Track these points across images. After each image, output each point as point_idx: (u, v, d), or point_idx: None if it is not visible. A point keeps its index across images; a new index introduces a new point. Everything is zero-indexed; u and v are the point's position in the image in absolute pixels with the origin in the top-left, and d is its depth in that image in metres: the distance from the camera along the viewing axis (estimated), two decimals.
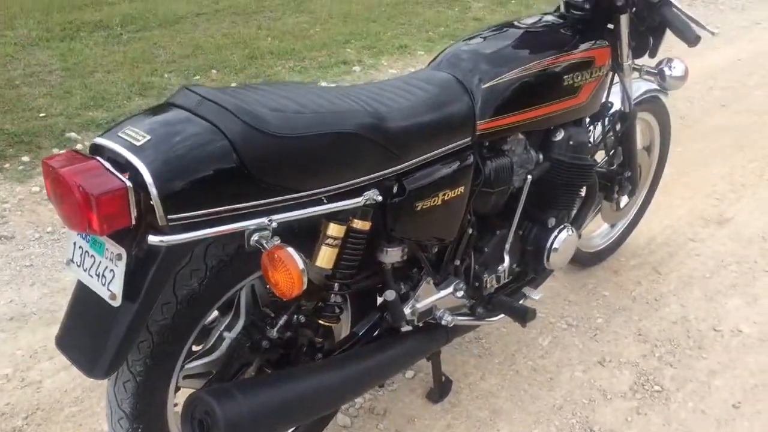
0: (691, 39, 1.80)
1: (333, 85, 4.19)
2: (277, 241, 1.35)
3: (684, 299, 2.59)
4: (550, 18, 2.08)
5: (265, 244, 1.34)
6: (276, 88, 1.49)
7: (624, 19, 2.08)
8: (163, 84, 4.07)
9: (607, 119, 2.35)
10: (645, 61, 2.26)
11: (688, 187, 3.40)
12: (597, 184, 2.23)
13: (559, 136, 1.99)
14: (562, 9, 2.13)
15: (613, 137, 2.40)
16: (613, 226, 2.79)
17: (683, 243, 2.95)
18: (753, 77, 4.84)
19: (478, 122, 1.75)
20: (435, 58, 1.92)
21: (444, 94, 1.72)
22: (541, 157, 2.00)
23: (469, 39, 1.95)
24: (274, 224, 1.35)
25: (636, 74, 2.25)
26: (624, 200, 2.58)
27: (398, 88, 1.70)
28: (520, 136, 1.94)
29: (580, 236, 2.60)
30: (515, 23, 2.02)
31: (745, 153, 3.76)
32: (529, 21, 2.05)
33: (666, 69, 2.17)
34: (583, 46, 1.97)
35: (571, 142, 1.99)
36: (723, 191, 3.37)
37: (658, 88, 2.51)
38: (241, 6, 5.77)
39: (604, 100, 2.30)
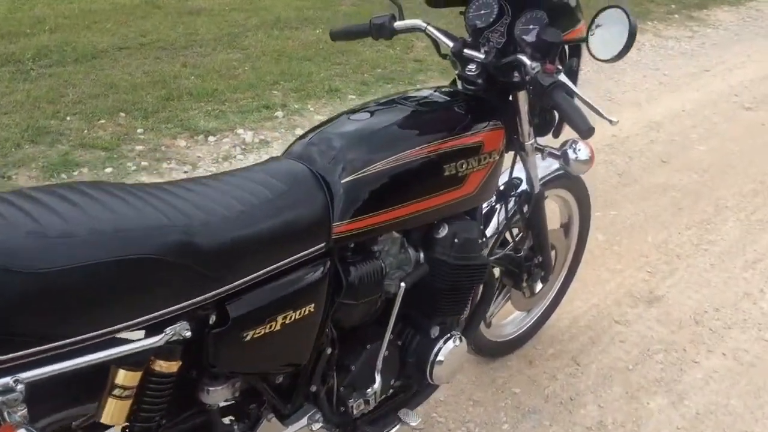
0: (583, 130, 1.54)
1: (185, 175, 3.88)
2: (23, 410, 1.04)
3: (602, 398, 2.32)
4: (442, 93, 1.81)
5: (6, 416, 1.03)
6: (52, 195, 1.18)
7: (522, 96, 1.83)
8: (61, 129, 3.73)
9: (512, 201, 2.10)
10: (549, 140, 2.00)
11: (620, 257, 3.15)
12: (493, 281, 1.96)
13: (443, 232, 1.71)
14: (458, 84, 1.87)
15: (519, 220, 2.14)
16: (528, 311, 2.52)
17: (608, 326, 2.69)
18: (696, 130, 4.65)
19: (335, 224, 1.46)
20: (293, 144, 1.63)
21: (292, 192, 1.44)
22: (421, 256, 1.72)
23: (338, 120, 1.67)
24: (21, 386, 1.04)
25: (538, 155, 1.99)
26: (538, 286, 2.31)
27: (234, 185, 1.40)
28: (395, 234, 1.66)
29: (490, 323, 2.34)
30: (401, 99, 1.75)
31: (683, 217, 3.54)
32: (419, 95, 1.79)
33: (570, 152, 1.91)
34: (472, 130, 1.70)
35: (456, 240, 1.71)
36: (656, 263, 3.13)
37: None
38: (170, 40, 5.46)
39: (508, 178, 2.06)
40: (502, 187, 2.07)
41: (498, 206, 2.10)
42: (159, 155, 3.54)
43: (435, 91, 1.82)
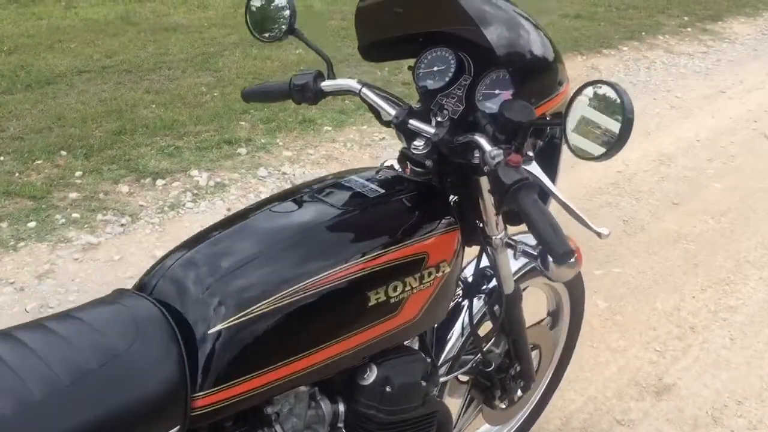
0: (557, 253, 1.08)
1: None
2: None
3: None
4: (379, 181, 1.36)
5: None
6: None
7: (485, 181, 1.37)
8: None
9: (481, 298, 1.64)
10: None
11: (623, 330, 2.68)
12: (449, 425, 1.49)
13: (370, 377, 1.25)
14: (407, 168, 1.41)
15: (491, 322, 1.68)
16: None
17: (608, 429, 2.22)
18: (712, 164, 4.17)
19: (196, 396, 1.02)
20: (154, 266, 1.18)
21: (129, 354, 0.99)
22: (341, 409, 1.26)
23: (220, 229, 1.22)
24: None
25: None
26: (516, 396, 1.85)
27: (38, 350, 0.96)
28: (302, 387, 1.21)
29: None
30: (321, 190, 1.31)
31: (698, 276, 3.06)
32: (348, 184, 1.34)
33: None
34: (413, 237, 1.26)
35: (388, 388, 1.25)
36: (666, 338, 2.66)
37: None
38: (137, 62, 5.02)
39: (475, 269, 1.60)
40: (470, 279, 1.62)
41: (463, 304, 1.64)
42: (95, 204, 3.10)
43: (370, 177, 1.36)
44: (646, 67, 5.81)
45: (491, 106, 1.31)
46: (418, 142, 1.33)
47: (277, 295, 1.09)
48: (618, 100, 1.04)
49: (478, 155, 1.28)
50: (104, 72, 4.81)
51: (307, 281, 1.12)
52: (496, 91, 1.32)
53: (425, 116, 1.36)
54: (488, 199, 1.40)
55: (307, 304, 1.12)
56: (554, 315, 2.03)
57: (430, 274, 1.27)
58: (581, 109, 1.07)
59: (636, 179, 3.88)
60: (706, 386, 2.42)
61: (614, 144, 1.05)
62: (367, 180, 1.34)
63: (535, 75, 1.27)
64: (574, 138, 1.09)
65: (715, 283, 3.01)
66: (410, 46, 1.46)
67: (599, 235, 1.18)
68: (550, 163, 1.39)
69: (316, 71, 1.47)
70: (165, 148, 3.69)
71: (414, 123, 1.34)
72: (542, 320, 2.00)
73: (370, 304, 1.18)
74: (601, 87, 1.06)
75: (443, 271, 1.29)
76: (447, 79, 1.38)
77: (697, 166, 4.13)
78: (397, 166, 1.44)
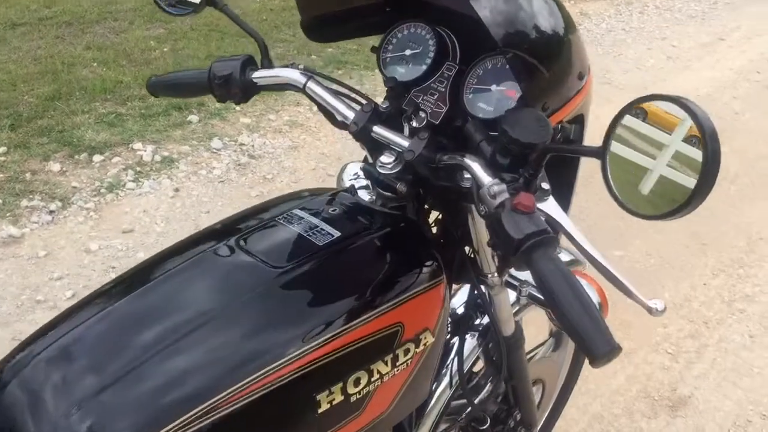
0: (596, 352, 0.70)
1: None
2: None
3: None
4: (334, 215, 0.96)
5: None
6: None
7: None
8: None
9: (474, 338, 1.29)
10: None
11: (629, 329, 2.34)
12: None
13: None
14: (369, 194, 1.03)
15: (486, 365, 1.33)
16: None
17: None
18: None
19: None
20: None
21: None
22: None
23: (106, 299, 0.84)
24: None
25: (512, 293, 1.17)
26: None
27: None
28: None
29: None
30: (250, 237, 0.93)
31: (708, 257, 2.73)
32: (300, 218, 0.95)
33: None
34: (383, 302, 0.88)
35: None
36: (678, 336, 2.33)
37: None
38: (79, 12, 4.50)
39: (467, 299, 1.26)
40: (460, 311, 1.27)
41: (453, 342, 1.28)
42: (19, 188, 2.67)
43: (320, 210, 0.97)
44: (639, 12, 5.38)
45: (485, 107, 0.92)
46: (387, 159, 0.94)
47: (184, 417, 0.72)
48: (690, 123, 0.66)
49: (468, 177, 0.89)
50: (41, 24, 4.28)
51: (226, 392, 0.75)
52: (492, 87, 0.93)
53: (395, 120, 0.97)
54: (482, 230, 1.02)
55: (227, 423, 0.75)
56: (557, 335, 1.67)
57: (407, 351, 0.90)
58: (631, 139, 0.69)
59: None
60: (726, 396, 2.11)
61: (691, 197, 0.67)
62: (315, 214, 0.95)
63: (548, 66, 0.87)
64: (620, 180, 0.71)
65: (727, 266, 2.69)
66: (372, 19, 1.05)
67: (650, 310, 0.82)
68: (563, 183, 1.01)
69: (245, 57, 1.06)
70: (105, 116, 3.23)
71: (380, 131, 0.95)
72: (544, 343, 1.65)
73: (320, 410, 0.82)
74: (664, 105, 0.68)
75: (425, 343, 0.93)
76: (424, 66, 0.98)
77: None
78: (362, 175, 1.06)
